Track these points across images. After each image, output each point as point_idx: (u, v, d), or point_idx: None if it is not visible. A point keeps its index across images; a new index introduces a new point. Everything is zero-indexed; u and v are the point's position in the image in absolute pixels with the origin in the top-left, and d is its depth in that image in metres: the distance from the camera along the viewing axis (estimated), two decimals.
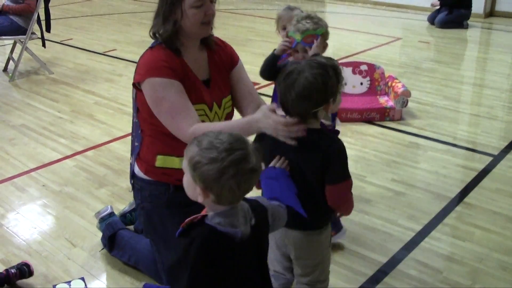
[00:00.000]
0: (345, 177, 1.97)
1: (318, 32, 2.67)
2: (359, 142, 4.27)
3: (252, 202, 1.65)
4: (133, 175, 2.52)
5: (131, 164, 2.57)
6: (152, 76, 2.19)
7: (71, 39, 7.99)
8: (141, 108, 2.33)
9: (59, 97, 5.47)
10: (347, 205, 2.06)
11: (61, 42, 7.79)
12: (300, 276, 2.17)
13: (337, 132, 2.10)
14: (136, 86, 2.28)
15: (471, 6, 9.03)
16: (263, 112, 1.98)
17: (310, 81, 1.84)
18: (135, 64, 2.38)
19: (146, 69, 2.22)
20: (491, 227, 3.16)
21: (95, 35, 8.27)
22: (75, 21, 9.44)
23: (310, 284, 2.16)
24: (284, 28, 3.07)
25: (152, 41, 2.36)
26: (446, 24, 8.92)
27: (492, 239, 3.05)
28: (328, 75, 1.87)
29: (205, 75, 2.37)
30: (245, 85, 2.49)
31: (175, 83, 2.19)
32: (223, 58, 2.44)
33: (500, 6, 10.06)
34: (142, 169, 2.44)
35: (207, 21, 2.25)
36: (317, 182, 1.95)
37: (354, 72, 4.98)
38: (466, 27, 8.94)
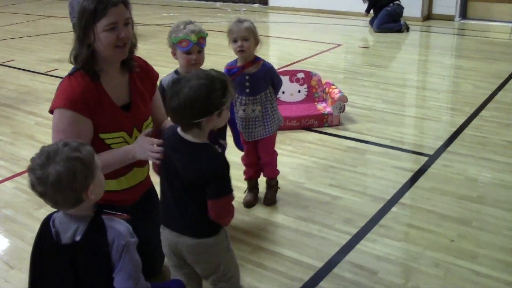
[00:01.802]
0: (224, 193, 2.01)
1: (206, 34, 2.94)
2: (298, 150, 4.33)
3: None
4: None
5: None
6: (62, 107, 2.19)
7: (13, 60, 7.87)
8: None
9: (0, 119, 5.37)
10: (228, 218, 2.10)
11: (2, 64, 7.66)
12: (202, 276, 2.24)
13: (223, 147, 2.13)
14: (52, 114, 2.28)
15: (396, 2, 9.28)
16: (139, 138, 2.12)
17: (194, 90, 1.88)
18: None
19: (60, 98, 2.21)
20: (425, 225, 3.25)
21: (37, 55, 8.16)
22: (17, 42, 9.30)
23: (213, 284, 2.23)
24: (235, 41, 3.14)
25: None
26: (380, 24, 9.17)
27: (426, 237, 3.13)
28: (214, 87, 1.91)
29: (126, 99, 2.38)
30: (159, 105, 2.55)
31: (82, 120, 2.20)
32: (145, 81, 2.46)
33: (437, 9, 10.35)
34: None
35: (121, 44, 2.24)
36: (194, 194, 2.01)
37: (291, 80, 5.05)
38: (404, 29, 9.16)
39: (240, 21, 3.19)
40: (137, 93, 2.40)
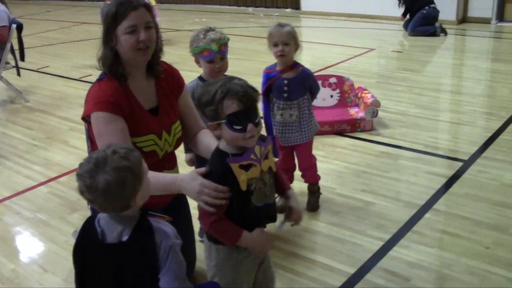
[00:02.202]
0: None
1: (227, 40, 2.91)
2: (330, 155, 4.30)
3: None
4: None
5: None
6: (97, 110, 2.21)
7: (48, 66, 8.03)
8: (93, 139, 2.35)
9: (35, 124, 5.49)
10: (212, 232, 2.03)
11: (38, 70, 7.82)
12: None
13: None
14: (86, 119, 2.31)
15: (431, 5, 9.18)
16: (191, 174, 2.02)
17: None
18: None
19: (93, 103, 2.24)
20: (459, 232, 3.19)
21: (71, 61, 8.29)
22: (52, 49, 9.48)
23: None
24: (276, 45, 3.15)
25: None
26: (415, 27, 9.09)
27: (460, 244, 3.07)
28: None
29: (153, 103, 2.40)
30: (190, 109, 2.54)
31: (117, 119, 2.21)
32: (171, 84, 2.47)
33: (473, 12, 10.18)
34: None
35: (143, 47, 2.26)
36: None
37: (323, 85, 5.02)
38: (440, 33, 9.02)
39: (281, 25, 3.19)
40: (164, 97, 2.43)
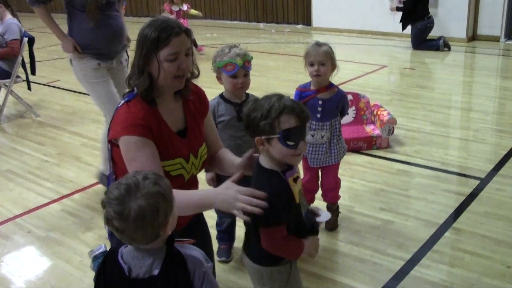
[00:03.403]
0: (270, 224, 1.92)
1: (251, 58, 2.91)
2: (347, 173, 4.27)
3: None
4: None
5: None
6: (127, 134, 2.15)
7: (58, 80, 8.03)
8: (117, 161, 2.30)
9: (46, 140, 5.47)
10: (278, 251, 1.98)
11: (48, 84, 7.83)
12: None
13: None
14: (112, 141, 2.26)
15: (426, 16, 9.29)
16: (225, 184, 2.01)
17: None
18: None
19: (122, 126, 2.17)
20: (480, 251, 3.15)
21: None
22: (62, 63, 9.45)
23: None
24: (312, 65, 3.12)
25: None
26: (418, 43, 9.16)
27: (482, 263, 3.04)
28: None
29: (181, 125, 2.35)
30: (212, 130, 2.51)
31: (149, 143, 2.16)
32: (198, 106, 2.42)
33: (482, 30, 10.20)
34: None
35: (181, 74, 2.22)
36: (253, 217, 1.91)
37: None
38: (443, 48, 9.09)
39: (318, 44, 3.16)
40: (192, 119, 2.38)
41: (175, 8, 9.11)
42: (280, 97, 1.93)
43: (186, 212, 2.10)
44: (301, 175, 2.50)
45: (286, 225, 1.94)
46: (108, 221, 1.61)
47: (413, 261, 3.07)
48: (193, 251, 1.73)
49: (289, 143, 1.88)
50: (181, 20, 8.97)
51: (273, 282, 2.07)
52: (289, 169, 1.96)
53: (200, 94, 2.47)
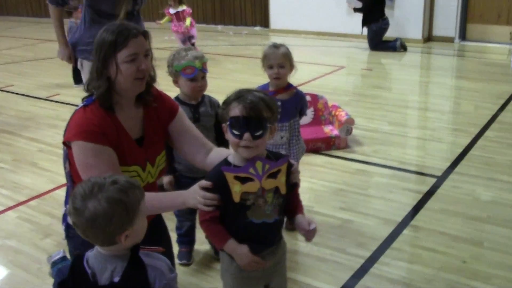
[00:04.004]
0: None
1: (207, 59, 2.92)
2: (306, 173, 4.28)
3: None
4: (65, 223, 2.47)
5: (63, 212, 2.52)
6: (82, 140, 2.14)
7: (12, 85, 7.85)
8: (73, 162, 2.26)
9: (1, 146, 5.34)
10: (206, 233, 2.14)
11: (2, 89, 7.65)
12: None
13: None
14: (66, 144, 2.24)
15: (381, 18, 9.47)
16: (193, 188, 2.04)
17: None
18: None
19: (78, 131, 2.16)
20: (437, 247, 3.21)
21: (37, 80, 8.15)
22: (16, 67, 9.31)
23: None
24: (271, 67, 3.10)
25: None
26: (374, 43, 9.33)
27: (439, 259, 3.09)
28: None
29: (139, 133, 2.32)
30: (189, 133, 2.45)
31: (107, 150, 2.14)
32: (160, 113, 2.39)
33: (437, 31, 10.41)
34: None
35: (141, 76, 2.20)
36: None
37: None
38: (400, 49, 9.26)
39: (276, 46, 3.15)
40: (151, 127, 2.35)
41: (172, 10, 8.92)
42: (247, 89, 1.98)
43: (161, 210, 2.21)
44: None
45: (216, 211, 1.98)
46: (68, 213, 1.64)
47: (372, 259, 3.11)
48: (157, 261, 1.71)
49: (234, 131, 1.93)
50: (180, 23, 8.78)
51: (223, 264, 2.12)
52: (238, 167, 1.96)
53: (163, 100, 2.43)
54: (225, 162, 2.01)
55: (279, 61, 3.12)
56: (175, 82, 2.92)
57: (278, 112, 2.04)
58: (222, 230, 2.01)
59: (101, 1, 3.65)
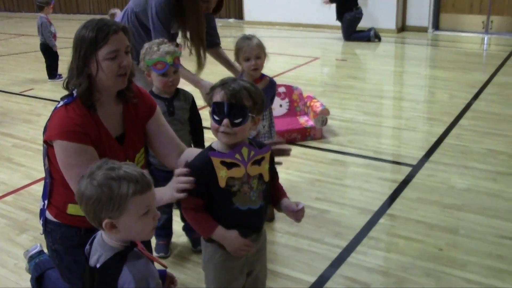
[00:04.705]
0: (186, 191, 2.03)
1: (180, 54, 2.89)
2: (282, 164, 4.30)
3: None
4: (43, 218, 2.45)
5: (41, 207, 2.50)
6: (64, 140, 2.11)
7: None
8: (53, 160, 2.25)
9: None
10: (191, 223, 2.08)
11: None
12: None
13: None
14: (48, 142, 2.21)
15: (355, 7, 9.52)
16: (169, 184, 2.04)
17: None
18: (54, 103, 2.30)
19: (59, 130, 2.13)
20: (414, 235, 3.25)
21: (11, 75, 8.06)
22: None
23: None
24: (248, 59, 3.10)
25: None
26: (348, 34, 9.38)
27: (416, 247, 3.13)
28: None
29: (119, 130, 2.31)
30: (165, 134, 2.44)
31: (88, 149, 2.13)
32: (140, 110, 2.37)
33: (411, 21, 10.51)
34: (52, 214, 2.37)
35: (123, 73, 2.18)
36: None
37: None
38: (374, 39, 9.32)
39: (249, 38, 3.16)
40: (131, 124, 2.33)
41: None
42: (234, 78, 2.02)
43: None
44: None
45: (195, 198, 1.99)
46: None
47: (349, 249, 3.14)
48: (138, 267, 1.68)
49: (214, 116, 1.96)
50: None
51: (204, 254, 2.14)
52: (224, 152, 1.99)
53: (143, 97, 2.41)
54: (210, 148, 2.03)
55: (255, 52, 3.14)
56: (148, 76, 2.90)
57: (263, 105, 2.03)
58: (209, 217, 2.02)
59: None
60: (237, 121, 1.94)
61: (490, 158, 4.34)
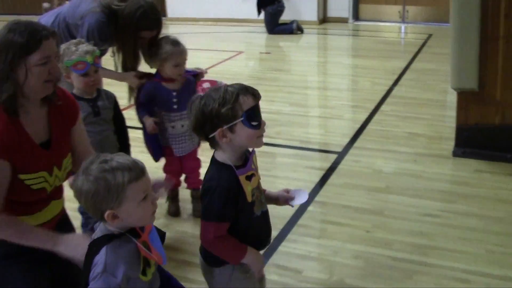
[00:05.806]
0: (208, 217, 1.87)
1: (99, 53, 2.85)
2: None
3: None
4: None
5: None
6: None
7: None
8: None
9: None
10: (214, 251, 1.92)
11: None
12: None
13: None
14: None
15: (276, 1, 9.66)
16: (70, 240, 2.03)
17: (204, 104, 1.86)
18: None
19: None
20: (341, 220, 3.35)
21: None
22: None
23: None
24: (178, 65, 3.09)
25: None
26: (271, 27, 9.49)
27: (344, 231, 3.22)
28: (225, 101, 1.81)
29: (45, 136, 2.20)
30: (83, 144, 2.38)
31: (1, 164, 2.03)
32: (65, 111, 2.28)
33: (331, 13, 10.72)
34: None
35: (52, 79, 2.08)
36: None
37: (197, 91, 5.04)
38: (297, 31, 9.46)
39: (177, 43, 3.13)
40: (57, 127, 2.23)
41: None
42: (228, 84, 1.87)
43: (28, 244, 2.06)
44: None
45: (228, 223, 1.88)
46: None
47: (280, 238, 3.19)
48: (115, 256, 1.68)
49: (253, 123, 1.81)
50: None
51: (213, 282, 2.02)
52: (241, 167, 1.90)
53: (68, 100, 2.31)
54: (228, 166, 1.88)
55: (185, 57, 3.15)
56: (67, 77, 2.83)
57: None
58: (236, 241, 1.91)
59: None
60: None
61: (411, 141, 4.51)
